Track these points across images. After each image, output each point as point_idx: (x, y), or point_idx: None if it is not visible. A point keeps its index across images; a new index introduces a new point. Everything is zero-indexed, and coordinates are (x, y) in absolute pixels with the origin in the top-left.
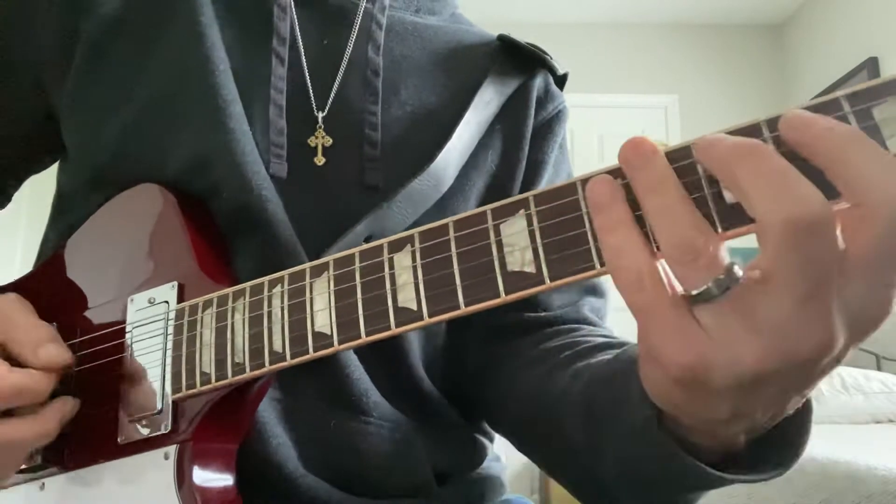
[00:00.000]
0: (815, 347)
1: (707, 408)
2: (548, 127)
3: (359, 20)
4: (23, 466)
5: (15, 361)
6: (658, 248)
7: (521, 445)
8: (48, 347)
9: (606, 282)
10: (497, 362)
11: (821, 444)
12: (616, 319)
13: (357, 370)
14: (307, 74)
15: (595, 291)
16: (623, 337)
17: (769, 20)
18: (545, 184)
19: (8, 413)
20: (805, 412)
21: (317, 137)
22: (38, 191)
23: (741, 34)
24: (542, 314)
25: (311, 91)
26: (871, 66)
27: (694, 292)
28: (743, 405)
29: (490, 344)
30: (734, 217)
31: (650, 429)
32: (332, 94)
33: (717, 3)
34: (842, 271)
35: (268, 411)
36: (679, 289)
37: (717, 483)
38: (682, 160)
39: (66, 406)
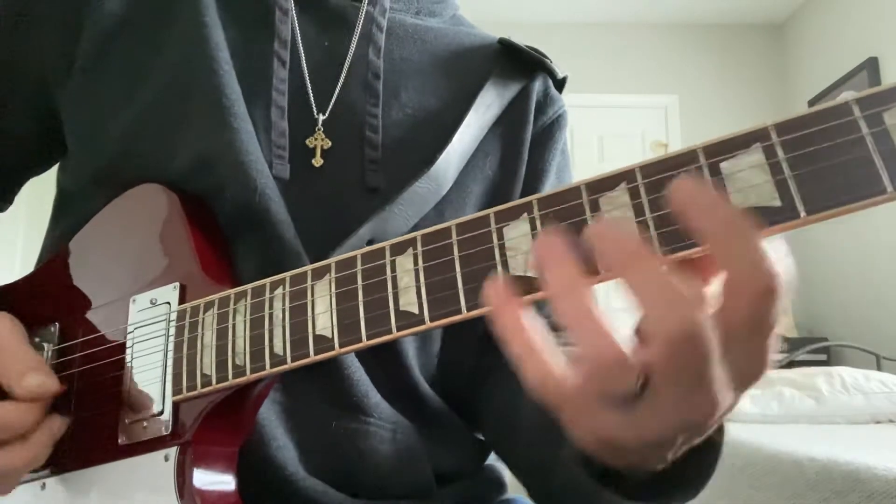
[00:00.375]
0: (707, 414)
1: (620, 459)
2: (548, 133)
3: (360, 23)
4: None
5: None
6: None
7: (502, 456)
8: (32, 377)
9: (599, 287)
10: (485, 372)
11: (821, 444)
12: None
13: (357, 371)
14: (307, 77)
15: None
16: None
17: (769, 20)
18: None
19: None
20: (713, 445)
21: (315, 139)
22: (38, 191)
23: (741, 34)
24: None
25: (311, 93)
26: (871, 66)
27: (608, 394)
28: (652, 455)
29: (481, 353)
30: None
31: (574, 464)
32: (334, 97)
33: (717, 3)
34: (722, 342)
35: (268, 413)
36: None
37: None
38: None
39: (54, 428)
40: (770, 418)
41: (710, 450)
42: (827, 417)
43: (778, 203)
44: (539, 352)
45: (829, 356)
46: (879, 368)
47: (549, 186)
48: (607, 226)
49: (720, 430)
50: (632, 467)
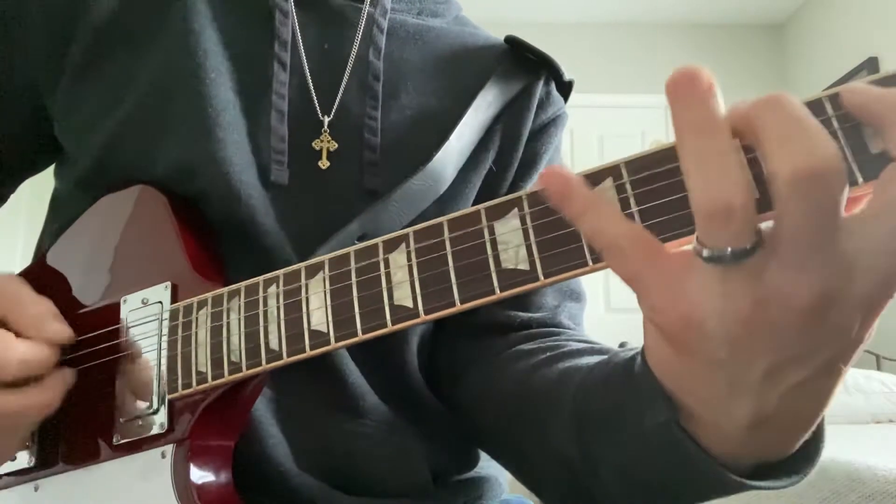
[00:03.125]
0: (839, 331)
1: (707, 378)
2: (546, 130)
3: (362, 24)
4: (17, 468)
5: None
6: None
7: (499, 454)
8: (52, 322)
9: (596, 295)
10: (470, 363)
11: None
12: (616, 320)
13: (353, 373)
14: (310, 79)
15: (573, 296)
16: (614, 337)
17: (769, 20)
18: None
19: (11, 384)
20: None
21: (322, 141)
22: (38, 191)
23: (741, 34)
24: (519, 314)
25: (314, 96)
26: (871, 66)
27: (706, 254)
28: (743, 378)
29: (463, 344)
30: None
31: (665, 432)
32: (338, 99)
33: (717, 3)
34: (852, 229)
35: (264, 410)
36: (684, 244)
37: (731, 490)
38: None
39: (67, 377)
40: None
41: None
42: (827, 417)
43: (757, 196)
44: (612, 222)
45: None
46: (879, 368)
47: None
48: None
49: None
50: (718, 434)
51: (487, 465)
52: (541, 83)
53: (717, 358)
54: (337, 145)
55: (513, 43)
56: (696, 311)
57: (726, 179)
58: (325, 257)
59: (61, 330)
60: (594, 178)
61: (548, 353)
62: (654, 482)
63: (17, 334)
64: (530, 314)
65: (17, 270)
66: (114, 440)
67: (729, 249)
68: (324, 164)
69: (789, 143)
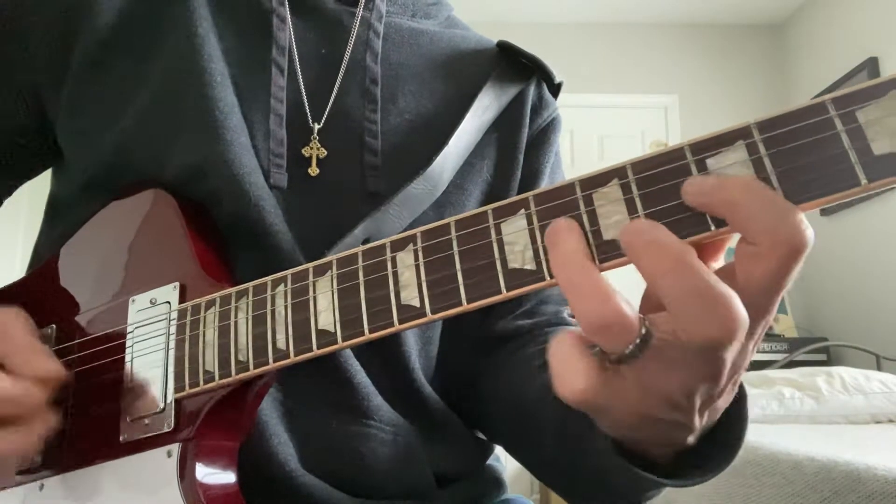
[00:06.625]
0: (718, 372)
1: (651, 432)
2: (543, 136)
3: (355, 28)
4: (21, 468)
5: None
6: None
7: (514, 454)
8: (43, 359)
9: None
10: (482, 373)
11: (821, 444)
12: None
13: (359, 374)
14: (302, 85)
15: None
16: None
17: (769, 20)
18: None
19: None
20: (738, 417)
21: (311, 148)
22: (38, 192)
23: (741, 34)
24: (527, 322)
25: (306, 102)
26: (871, 66)
27: (613, 357)
28: (676, 422)
29: (478, 356)
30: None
31: (610, 454)
32: (330, 105)
33: (717, 3)
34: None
35: (270, 411)
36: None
37: (666, 487)
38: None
39: (50, 422)
40: (770, 418)
41: (736, 421)
42: (827, 417)
43: None
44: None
45: (829, 356)
46: (879, 368)
47: (544, 186)
48: (653, 235)
49: (740, 405)
50: (661, 443)
51: (489, 465)
52: (532, 87)
53: (657, 425)
54: (326, 152)
55: (505, 48)
56: (638, 406)
57: (601, 304)
58: (333, 257)
59: (51, 368)
60: (600, 179)
61: (539, 360)
62: (616, 484)
63: (8, 371)
64: (535, 320)
65: (17, 271)
66: (120, 439)
67: (625, 349)
68: (313, 170)
69: (702, 317)
